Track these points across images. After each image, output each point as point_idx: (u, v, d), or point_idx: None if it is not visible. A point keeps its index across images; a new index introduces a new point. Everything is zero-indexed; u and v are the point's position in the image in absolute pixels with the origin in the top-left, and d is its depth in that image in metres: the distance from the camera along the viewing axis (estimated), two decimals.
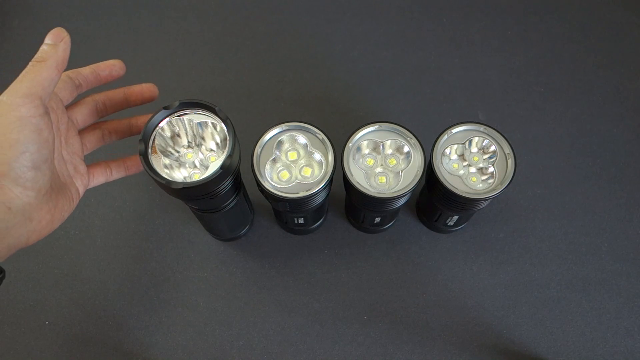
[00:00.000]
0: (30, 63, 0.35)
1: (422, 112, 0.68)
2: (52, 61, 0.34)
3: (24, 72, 0.34)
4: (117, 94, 0.45)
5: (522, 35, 0.75)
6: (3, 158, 0.32)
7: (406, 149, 0.49)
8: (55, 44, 0.35)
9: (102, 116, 0.45)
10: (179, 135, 0.45)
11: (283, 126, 0.49)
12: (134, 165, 0.47)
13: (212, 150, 0.46)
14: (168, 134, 0.44)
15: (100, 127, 0.45)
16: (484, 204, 0.50)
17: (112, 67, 0.43)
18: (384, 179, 0.49)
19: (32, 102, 0.33)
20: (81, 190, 0.41)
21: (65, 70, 0.38)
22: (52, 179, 0.35)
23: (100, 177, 0.45)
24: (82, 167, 0.42)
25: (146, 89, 0.45)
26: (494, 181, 0.48)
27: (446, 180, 0.48)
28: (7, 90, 0.33)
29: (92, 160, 0.45)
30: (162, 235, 0.61)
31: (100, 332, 0.55)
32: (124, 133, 0.47)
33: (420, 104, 0.69)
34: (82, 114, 0.43)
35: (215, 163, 0.44)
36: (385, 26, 0.76)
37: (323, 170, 0.48)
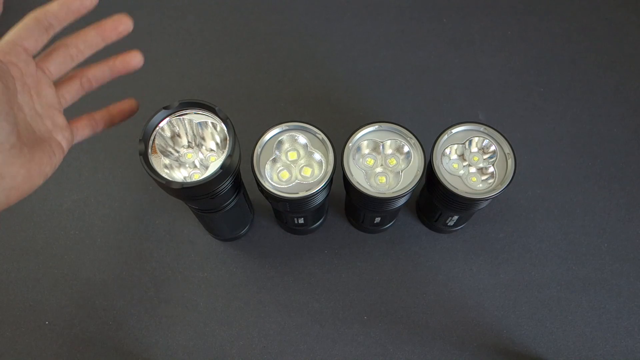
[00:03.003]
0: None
1: (422, 112, 0.68)
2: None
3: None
4: (89, 33, 0.40)
5: (522, 35, 0.75)
6: None
7: (406, 149, 0.49)
8: None
9: (78, 62, 0.41)
10: (179, 135, 0.45)
11: (283, 126, 0.49)
12: (120, 112, 0.43)
13: (212, 150, 0.46)
14: (168, 134, 0.44)
15: (77, 75, 0.41)
16: (484, 204, 0.50)
17: (114, 22, 0.39)
18: (384, 179, 0.49)
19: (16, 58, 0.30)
20: (65, 145, 0.38)
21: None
22: (18, 133, 0.33)
23: (85, 129, 0.41)
24: (60, 120, 0.39)
25: (118, 21, 0.42)
26: (494, 181, 0.48)
27: (446, 180, 0.48)
28: None
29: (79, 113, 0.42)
30: (162, 235, 0.61)
31: (100, 332, 0.55)
32: (105, 78, 0.43)
33: (420, 104, 0.69)
34: (55, 63, 0.39)
35: (215, 163, 0.44)
36: (385, 26, 0.76)
37: (323, 170, 0.48)
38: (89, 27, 0.41)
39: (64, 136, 0.38)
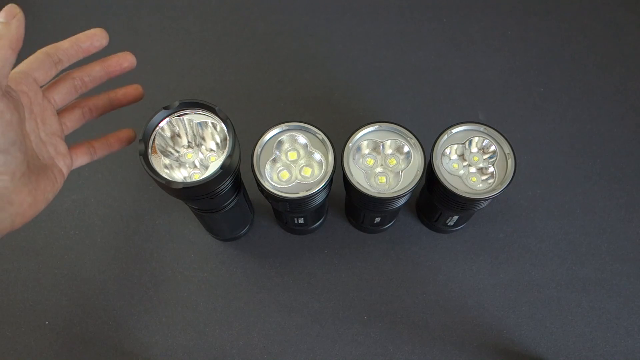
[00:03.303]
0: None
1: (422, 112, 0.68)
2: (5, 40, 0.32)
3: None
4: (95, 67, 0.43)
5: (522, 35, 0.75)
6: None
7: (406, 149, 0.49)
8: (7, 22, 0.32)
9: (81, 93, 0.43)
10: (179, 135, 0.45)
11: (283, 126, 0.49)
12: (117, 141, 0.46)
13: (212, 150, 0.46)
14: (168, 134, 0.44)
15: (79, 105, 0.44)
16: (484, 204, 0.50)
17: (93, 37, 0.40)
18: (384, 179, 0.49)
19: None
20: (65, 171, 0.40)
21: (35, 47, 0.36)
22: (27, 161, 0.35)
23: (84, 156, 0.43)
24: (62, 148, 0.41)
25: (123, 58, 0.44)
26: (494, 181, 0.48)
27: (446, 180, 0.48)
28: None
29: (77, 139, 0.44)
30: (162, 235, 0.61)
31: (100, 332, 0.55)
32: (105, 108, 0.45)
33: (420, 104, 0.69)
34: (60, 93, 0.41)
35: (215, 163, 0.44)
36: (385, 26, 0.76)
37: (323, 170, 0.48)
38: (95, 62, 0.43)
39: (64, 162, 0.40)
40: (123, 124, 0.64)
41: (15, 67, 0.37)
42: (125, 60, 0.44)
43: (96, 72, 0.43)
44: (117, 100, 0.45)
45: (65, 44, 0.40)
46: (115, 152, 0.46)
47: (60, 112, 0.42)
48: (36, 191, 0.36)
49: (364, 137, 0.50)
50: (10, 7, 0.33)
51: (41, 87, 0.39)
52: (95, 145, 0.45)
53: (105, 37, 0.41)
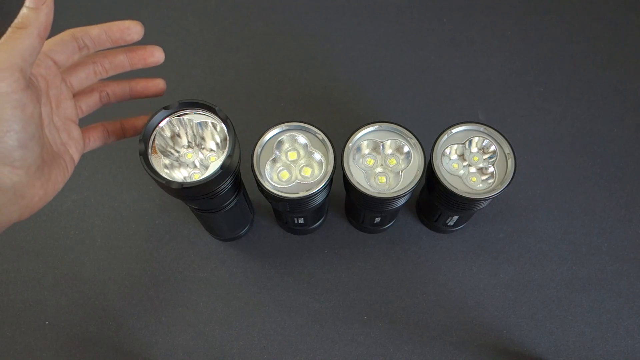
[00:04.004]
0: (9, 29, 0.31)
1: (422, 112, 0.68)
2: (34, 28, 0.31)
3: (2, 40, 0.31)
4: (119, 56, 0.40)
5: (522, 35, 0.75)
6: None
7: (406, 149, 0.49)
8: (37, 8, 0.31)
9: (100, 78, 0.41)
10: (179, 135, 0.45)
11: (283, 126, 0.49)
12: (132, 128, 0.44)
13: (212, 150, 0.46)
14: (168, 134, 0.44)
15: (97, 89, 0.42)
16: (484, 204, 0.50)
17: (125, 30, 0.38)
18: (384, 179, 0.49)
19: (12, 77, 0.30)
20: (76, 157, 0.39)
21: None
22: (42, 153, 0.33)
23: (97, 140, 0.42)
24: (76, 132, 0.39)
25: (149, 52, 0.41)
26: (494, 181, 0.48)
27: (446, 180, 0.48)
28: None
29: (87, 122, 0.42)
30: (162, 235, 0.61)
31: (100, 332, 0.55)
32: (123, 96, 0.43)
33: (420, 104, 0.69)
34: (78, 77, 0.39)
35: (215, 163, 0.44)
36: (385, 26, 0.76)
37: (323, 170, 0.48)
38: (120, 49, 0.40)
39: (76, 148, 0.39)
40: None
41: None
42: (151, 55, 0.41)
43: (119, 60, 0.40)
44: (136, 91, 0.43)
45: (94, 30, 0.37)
46: (128, 138, 0.44)
47: (77, 94, 0.40)
48: (48, 183, 0.35)
49: (364, 137, 0.50)
50: None
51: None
52: (109, 128, 0.43)
53: (139, 32, 0.39)
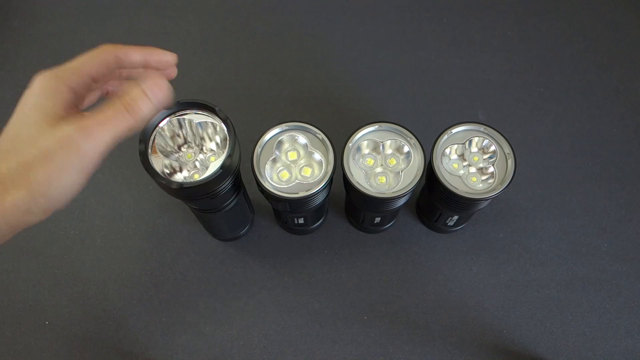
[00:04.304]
0: (118, 104, 0.31)
1: (422, 112, 0.68)
2: (141, 122, 0.32)
3: (108, 114, 0.31)
4: (136, 61, 0.39)
5: (522, 35, 0.75)
6: (43, 188, 0.30)
7: (406, 149, 0.49)
8: (154, 103, 0.32)
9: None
10: (179, 135, 0.45)
11: (283, 126, 0.49)
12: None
13: (212, 150, 0.46)
14: (168, 134, 0.44)
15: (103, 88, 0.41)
16: (484, 204, 0.50)
17: (164, 63, 0.39)
18: (384, 179, 0.49)
19: (100, 158, 0.31)
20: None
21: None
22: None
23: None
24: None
25: (166, 63, 0.41)
26: (494, 181, 0.48)
27: (446, 180, 0.48)
28: (83, 128, 0.30)
29: None
30: (162, 235, 0.61)
31: (100, 332, 0.55)
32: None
33: (420, 104, 0.69)
34: (102, 81, 0.38)
35: (215, 163, 0.44)
36: (385, 26, 0.76)
37: (323, 170, 0.48)
38: (138, 50, 0.39)
39: None
40: None
41: (78, 57, 0.35)
42: (168, 66, 0.41)
43: (136, 64, 0.39)
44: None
45: (136, 56, 0.37)
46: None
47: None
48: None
49: (364, 137, 0.50)
50: (162, 84, 0.32)
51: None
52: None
53: (174, 70, 0.40)
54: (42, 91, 0.33)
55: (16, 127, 0.32)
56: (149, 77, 0.33)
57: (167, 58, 0.39)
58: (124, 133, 0.31)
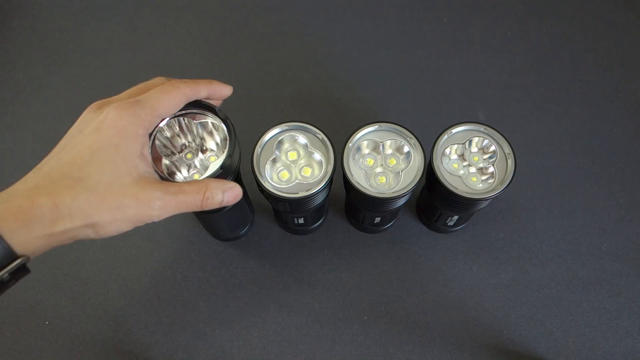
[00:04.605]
0: (199, 194, 0.36)
1: (422, 112, 0.68)
2: (208, 207, 0.36)
3: (188, 200, 0.36)
4: (202, 92, 0.42)
5: (522, 35, 0.75)
6: (101, 230, 0.34)
7: (406, 149, 0.49)
8: (221, 205, 0.37)
9: None
10: (179, 135, 0.45)
11: (283, 126, 0.49)
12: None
13: (212, 150, 0.46)
14: (168, 134, 0.44)
15: None
16: (484, 204, 0.50)
17: (223, 96, 0.43)
18: (384, 179, 0.49)
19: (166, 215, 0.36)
20: None
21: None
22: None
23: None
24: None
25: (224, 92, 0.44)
26: (494, 181, 0.48)
27: (446, 180, 0.48)
28: (166, 204, 0.35)
29: None
30: (162, 235, 0.61)
31: (100, 332, 0.55)
32: None
33: (420, 104, 0.69)
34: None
35: (215, 163, 0.44)
36: (385, 26, 0.76)
37: (323, 170, 0.48)
38: (204, 85, 0.42)
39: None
40: None
41: (153, 93, 0.38)
42: (223, 95, 0.44)
43: (202, 94, 0.42)
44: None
45: (203, 92, 0.41)
46: None
47: None
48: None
49: (364, 137, 0.50)
50: (239, 197, 0.39)
51: None
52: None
53: (225, 97, 0.43)
54: (124, 133, 0.34)
55: (108, 170, 0.33)
56: (231, 185, 0.38)
57: (226, 92, 0.43)
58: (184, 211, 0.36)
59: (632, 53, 0.73)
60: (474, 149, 0.51)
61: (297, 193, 0.46)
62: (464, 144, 0.50)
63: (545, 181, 0.64)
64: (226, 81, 0.73)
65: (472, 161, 0.50)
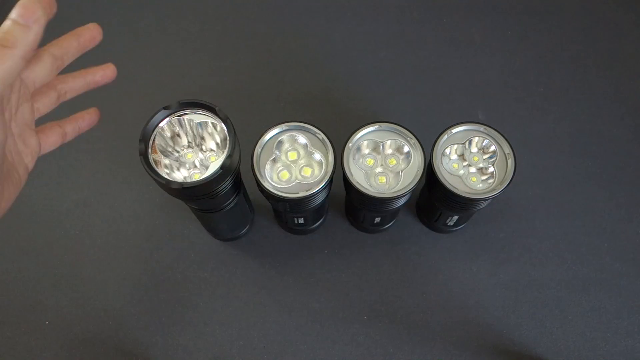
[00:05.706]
0: None
1: (422, 112, 0.68)
2: (20, 50, 0.27)
3: None
4: (70, 41, 0.35)
5: (522, 35, 0.75)
6: None
7: (406, 149, 0.49)
8: (26, 25, 0.27)
9: (58, 71, 0.36)
10: (179, 135, 0.45)
11: (283, 126, 0.49)
12: (88, 124, 0.40)
13: (212, 150, 0.46)
14: (168, 134, 0.44)
15: (54, 87, 0.37)
16: (484, 204, 0.50)
17: (90, 31, 0.35)
18: (384, 179, 0.49)
19: None
20: (30, 165, 0.35)
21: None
22: None
23: (53, 143, 0.38)
24: (32, 140, 0.35)
25: (94, 30, 0.36)
26: (494, 181, 0.48)
27: (446, 180, 0.48)
28: None
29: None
30: (162, 235, 0.61)
31: (100, 332, 0.55)
32: (80, 89, 0.38)
33: (420, 104, 0.69)
34: (40, 76, 0.33)
35: (215, 163, 0.44)
36: (385, 26, 0.76)
37: (323, 170, 0.48)
38: (68, 36, 0.36)
39: (32, 156, 0.35)
40: (122, 122, 0.64)
41: None
42: (97, 34, 0.36)
43: (73, 47, 0.35)
44: (94, 82, 0.39)
45: (72, 43, 0.34)
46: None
47: (33, 94, 0.36)
48: (0, 202, 0.32)
49: (364, 137, 0.50)
50: (32, 5, 0.27)
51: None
52: (66, 127, 0.39)
53: (100, 32, 0.36)
54: None
55: None
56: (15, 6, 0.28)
57: (89, 26, 0.35)
58: (7, 73, 0.27)
59: (632, 53, 0.73)
60: (474, 149, 0.51)
61: (297, 193, 0.46)
62: (464, 144, 0.50)
63: (545, 181, 0.64)
64: (226, 81, 0.74)
65: (472, 161, 0.50)
